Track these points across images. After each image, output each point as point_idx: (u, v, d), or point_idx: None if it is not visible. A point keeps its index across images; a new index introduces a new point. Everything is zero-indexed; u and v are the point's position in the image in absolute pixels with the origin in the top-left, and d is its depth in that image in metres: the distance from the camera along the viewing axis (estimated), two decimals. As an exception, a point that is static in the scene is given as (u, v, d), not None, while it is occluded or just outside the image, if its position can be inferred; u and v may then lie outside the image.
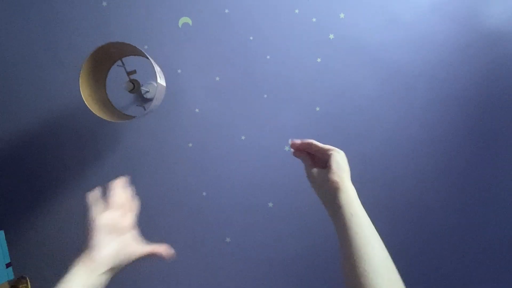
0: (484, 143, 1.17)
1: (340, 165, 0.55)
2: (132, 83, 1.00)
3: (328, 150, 0.56)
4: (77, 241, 1.18)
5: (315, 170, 0.55)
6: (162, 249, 0.51)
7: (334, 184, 0.50)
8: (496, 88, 1.16)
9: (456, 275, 1.19)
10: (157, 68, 0.93)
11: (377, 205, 1.18)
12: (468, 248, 1.19)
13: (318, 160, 0.58)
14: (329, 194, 0.51)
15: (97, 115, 0.89)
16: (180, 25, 1.16)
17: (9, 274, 1.02)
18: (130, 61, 1.01)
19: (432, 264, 1.19)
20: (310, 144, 0.57)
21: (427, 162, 1.17)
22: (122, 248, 0.48)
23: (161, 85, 0.96)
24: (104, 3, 1.14)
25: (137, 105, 1.15)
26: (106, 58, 0.95)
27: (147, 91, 1.12)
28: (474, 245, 1.19)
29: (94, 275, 0.44)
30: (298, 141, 0.58)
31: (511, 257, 1.18)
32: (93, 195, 0.51)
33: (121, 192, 0.54)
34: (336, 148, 0.56)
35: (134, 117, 1.02)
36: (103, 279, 0.45)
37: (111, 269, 0.46)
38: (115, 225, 0.49)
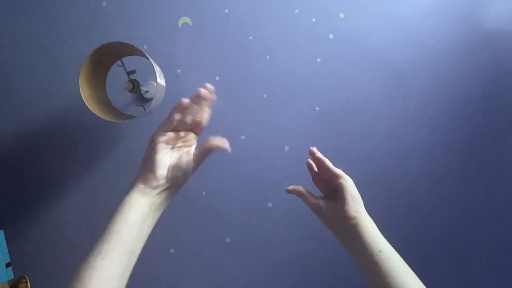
0: (486, 143, 1.17)
1: (355, 197, 0.52)
2: (132, 83, 1.00)
3: (337, 176, 0.52)
4: (77, 241, 1.18)
5: (322, 203, 0.51)
6: (216, 141, 0.49)
7: (353, 220, 0.48)
8: (497, 88, 1.16)
9: (456, 276, 1.19)
10: (157, 68, 0.93)
11: (377, 205, 1.18)
12: (469, 249, 1.19)
13: (321, 183, 0.57)
14: (347, 231, 0.48)
15: (97, 115, 0.89)
16: (180, 25, 1.16)
17: (9, 274, 1.02)
18: (130, 61, 1.01)
19: (433, 265, 1.19)
20: (323, 162, 0.55)
21: (428, 162, 1.18)
22: (178, 163, 0.45)
23: (161, 85, 0.96)
24: (104, 3, 1.14)
25: (136, 105, 1.15)
26: (105, 58, 0.95)
27: (147, 91, 1.12)
28: (475, 246, 1.19)
29: (152, 194, 0.43)
30: (317, 153, 0.57)
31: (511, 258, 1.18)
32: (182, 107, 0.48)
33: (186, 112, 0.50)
34: (344, 175, 0.53)
35: (134, 117, 1.02)
36: (162, 198, 0.44)
37: (169, 188, 0.44)
38: (175, 144, 0.47)
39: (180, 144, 0.48)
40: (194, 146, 0.50)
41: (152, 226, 0.44)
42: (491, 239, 1.18)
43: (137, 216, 0.41)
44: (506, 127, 1.17)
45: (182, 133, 0.48)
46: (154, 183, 0.43)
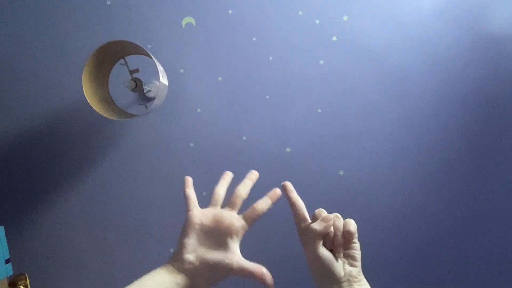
0: (488, 146, 1.17)
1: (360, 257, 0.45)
2: (135, 81, 1.00)
3: (352, 239, 0.44)
4: (76, 239, 1.18)
5: (326, 252, 0.44)
6: (263, 272, 0.44)
7: (360, 283, 0.44)
8: (500, 91, 1.16)
9: (457, 278, 1.19)
10: (160, 67, 0.93)
11: (379, 206, 1.18)
12: (469, 250, 1.18)
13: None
14: (343, 284, 0.43)
15: (99, 113, 0.90)
16: (183, 25, 1.16)
17: (8, 270, 1.02)
18: (133, 60, 1.01)
19: (433, 267, 1.19)
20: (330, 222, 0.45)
21: (430, 164, 1.17)
22: (218, 258, 0.42)
23: (164, 84, 0.96)
24: (108, 2, 1.14)
25: (139, 104, 1.16)
26: (109, 56, 0.95)
27: (149, 90, 1.12)
28: (476, 246, 1.18)
29: (177, 275, 0.40)
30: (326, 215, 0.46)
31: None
32: (190, 183, 0.45)
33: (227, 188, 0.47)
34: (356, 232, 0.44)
35: (136, 115, 1.02)
36: (189, 282, 0.41)
37: (199, 276, 0.41)
38: (215, 227, 0.44)
39: (220, 228, 0.44)
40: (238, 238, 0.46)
41: None
42: (491, 240, 1.18)
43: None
44: (510, 131, 1.16)
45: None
46: (179, 265, 0.41)
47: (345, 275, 0.43)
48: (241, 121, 1.17)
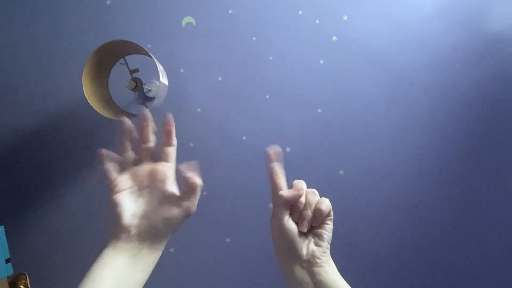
0: (488, 146, 1.17)
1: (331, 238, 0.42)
2: (135, 81, 1.00)
3: (322, 218, 0.41)
4: (77, 239, 1.18)
5: (291, 224, 0.41)
6: (190, 179, 0.39)
7: (322, 264, 0.40)
8: (500, 92, 1.16)
9: (457, 278, 1.19)
10: (160, 67, 0.93)
11: (379, 206, 1.18)
12: (470, 250, 1.18)
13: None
14: (305, 268, 0.40)
15: (99, 112, 0.90)
16: (183, 24, 1.16)
17: (8, 270, 1.02)
18: (133, 60, 1.01)
19: (434, 266, 1.19)
20: (300, 192, 0.42)
21: (430, 164, 1.17)
22: (149, 206, 0.39)
23: (164, 84, 0.96)
24: (108, 2, 1.14)
25: (139, 104, 1.16)
26: (109, 56, 0.95)
27: (150, 90, 1.12)
28: (476, 246, 1.18)
29: (129, 248, 0.38)
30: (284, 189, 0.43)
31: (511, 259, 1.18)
32: (107, 154, 0.40)
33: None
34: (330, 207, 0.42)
35: (136, 115, 1.02)
36: (146, 248, 0.39)
37: (150, 236, 0.39)
38: (140, 182, 0.40)
39: (146, 182, 0.40)
40: (170, 180, 0.41)
41: (144, 275, 0.39)
42: (492, 240, 1.18)
43: (113, 279, 0.36)
44: (510, 131, 1.16)
45: (142, 168, 0.40)
46: (125, 235, 0.38)
47: (307, 254, 0.40)
48: (241, 121, 1.17)
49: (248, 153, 1.17)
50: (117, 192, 0.38)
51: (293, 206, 0.43)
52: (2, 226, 1.04)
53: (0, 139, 1.16)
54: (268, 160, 0.46)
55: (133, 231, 0.38)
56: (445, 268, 1.19)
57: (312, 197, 0.42)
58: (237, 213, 1.18)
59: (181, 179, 0.40)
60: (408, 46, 1.16)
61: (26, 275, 1.12)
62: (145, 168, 0.42)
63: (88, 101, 0.88)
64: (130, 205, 0.39)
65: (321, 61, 1.16)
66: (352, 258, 1.16)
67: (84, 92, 0.88)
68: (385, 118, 1.17)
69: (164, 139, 0.43)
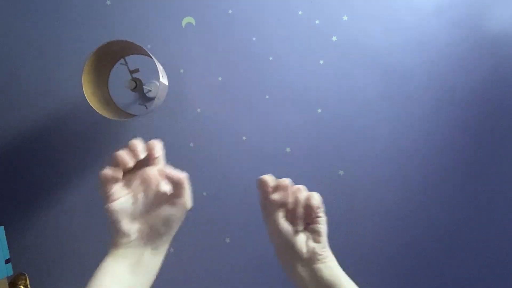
0: (489, 147, 1.17)
1: (326, 232, 0.42)
2: (135, 81, 1.00)
3: (314, 213, 0.41)
4: (77, 239, 1.18)
5: (285, 225, 0.41)
6: (174, 174, 0.40)
7: (324, 260, 0.40)
8: (499, 92, 1.16)
9: (457, 278, 1.19)
10: (160, 67, 0.93)
11: (379, 206, 1.18)
12: (470, 250, 1.18)
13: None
14: (307, 266, 0.40)
15: (99, 113, 0.90)
16: (183, 25, 1.16)
17: (8, 270, 1.02)
18: (133, 60, 1.01)
19: (434, 266, 1.19)
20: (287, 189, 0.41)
21: (430, 164, 1.17)
22: (150, 211, 0.39)
23: (164, 84, 0.96)
24: (108, 2, 1.14)
25: (139, 104, 1.16)
26: (109, 56, 0.95)
27: (149, 90, 1.12)
28: (476, 246, 1.18)
29: (130, 254, 0.38)
30: (269, 180, 0.43)
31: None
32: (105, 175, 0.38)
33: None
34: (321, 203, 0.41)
35: (136, 115, 1.02)
36: (147, 252, 0.39)
37: (150, 237, 0.38)
38: (133, 187, 0.40)
39: (139, 186, 0.41)
40: (162, 181, 0.42)
41: (149, 279, 0.40)
42: (492, 240, 1.18)
43: (117, 286, 0.36)
44: (510, 131, 1.16)
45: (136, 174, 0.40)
46: (125, 241, 0.38)
47: (307, 251, 0.40)
48: (241, 121, 1.17)
49: (248, 153, 1.17)
50: (113, 200, 0.38)
51: (284, 207, 0.42)
52: (2, 227, 1.04)
53: (0, 139, 1.16)
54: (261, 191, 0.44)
55: (133, 236, 0.38)
56: (445, 268, 1.19)
57: (300, 194, 0.41)
58: (237, 213, 1.17)
59: (166, 180, 0.41)
60: (408, 46, 1.16)
61: (26, 275, 1.12)
62: (136, 173, 0.42)
63: (88, 101, 0.88)
64: (127, 211, 0.39)
65: (321, 61, 1.16)
66: (352, 258, 1.16)
67: (84, 92, 0.88)
68: (385, 118, 1.17)
69: (149, 155, 0.42)
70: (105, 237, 1.20)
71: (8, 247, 1.06)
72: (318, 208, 0.41)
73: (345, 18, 1.16)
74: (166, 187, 0.41)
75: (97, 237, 1.18)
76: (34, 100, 1.15)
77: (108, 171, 0.38)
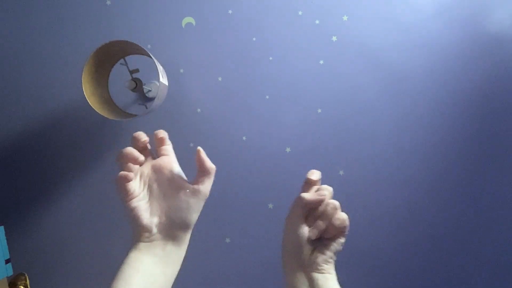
0: (489, 146, 1.17)
1: None
2: (135, 81, 1.00)
3: (340, 232, 0.40)
4: (77, 239, 1.18)
5: (304, 229, 0.41)
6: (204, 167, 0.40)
7: (323, 271, 0.40)
8: (500, 92, 1.16)
9: (457, 278, 1.19)
10: (160, 67, 0.93)
11: (379, 206, 1.18)
12: (470, 250, 1.18)
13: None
14: (305, 271, 0.41)
15: (99, 113, 0.90)
16: (183, 25, 1.16)
17: (8, 270, 1.02)
18: (133, 60, 1.01)
19: (434, 266, 1.19)
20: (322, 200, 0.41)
21: (430, 164, 1.17)
22: (167, 201, 0.40)
23: (164, 84, 0.96)
24: (108, 2, 1.14)
25: (139, 104, 1.16)
26: (108, 56, 0.95)
27: (149, 90, 1.12)
28: (476, 246, 1.18)
29: (154, 248, 0.39)
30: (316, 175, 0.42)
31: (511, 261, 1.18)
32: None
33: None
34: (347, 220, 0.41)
35: (135, 115, 1.02)
36: (170, 245, 0.40)
37: (172, 230, 0.39)
38: (148, 179, 0.41)
39: (153, 177, 0.42)
40: (175, 168, 0.43)
41: (173, 270, 0.41)
42: (492, 240, 1.18)
43: (144, 279, 0.37)
44: (510, 131, 1.16)
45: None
46: (147, 235, 0.39)
47: (309, 259, 0.40)
48: (241, 121, 1.17)
49: (248, 153, 1.17)
50: (132, 198, 0.39)
51: (311, 211, 0.43)
52: (2, 227, 1.04)
53: (0, 139, 1.16)
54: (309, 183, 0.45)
55: (155, 230, 0.39)
56: (445, 268, 1.19)
57: (332, 210, 0.42)
58: (237, 213, 1.17)
59: (195, 162, 0.43)
60: (408, 46, 1.16)
61: (26, 275, 1.12)
62: (147, 165, 0.44)
63: (88, 101, 0.88)
64: (146, 205, 0.40)
65: (321, 61, 1.16)
66: (352, 258, 1.16)
67: (84, 92, 0.88)
68: (385, 118, 1.17)
69: (156, 144, 0.46)
70: (105, 237, 1.20)
71: (8, 247, 1.06)
72: (343, 232, 0.41)
73: (345, 18, 1.16)
74: (182, 174, 0.44)
75: (97, 237, 1.18)
76: (34, 100, 1.15)
77: (124, 173, 0.39)
